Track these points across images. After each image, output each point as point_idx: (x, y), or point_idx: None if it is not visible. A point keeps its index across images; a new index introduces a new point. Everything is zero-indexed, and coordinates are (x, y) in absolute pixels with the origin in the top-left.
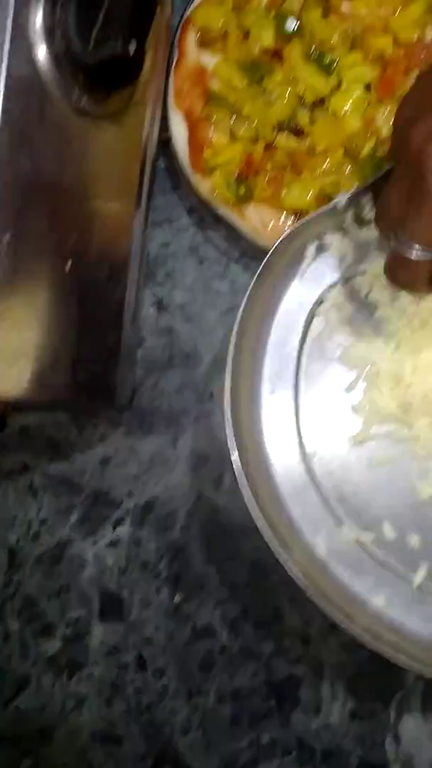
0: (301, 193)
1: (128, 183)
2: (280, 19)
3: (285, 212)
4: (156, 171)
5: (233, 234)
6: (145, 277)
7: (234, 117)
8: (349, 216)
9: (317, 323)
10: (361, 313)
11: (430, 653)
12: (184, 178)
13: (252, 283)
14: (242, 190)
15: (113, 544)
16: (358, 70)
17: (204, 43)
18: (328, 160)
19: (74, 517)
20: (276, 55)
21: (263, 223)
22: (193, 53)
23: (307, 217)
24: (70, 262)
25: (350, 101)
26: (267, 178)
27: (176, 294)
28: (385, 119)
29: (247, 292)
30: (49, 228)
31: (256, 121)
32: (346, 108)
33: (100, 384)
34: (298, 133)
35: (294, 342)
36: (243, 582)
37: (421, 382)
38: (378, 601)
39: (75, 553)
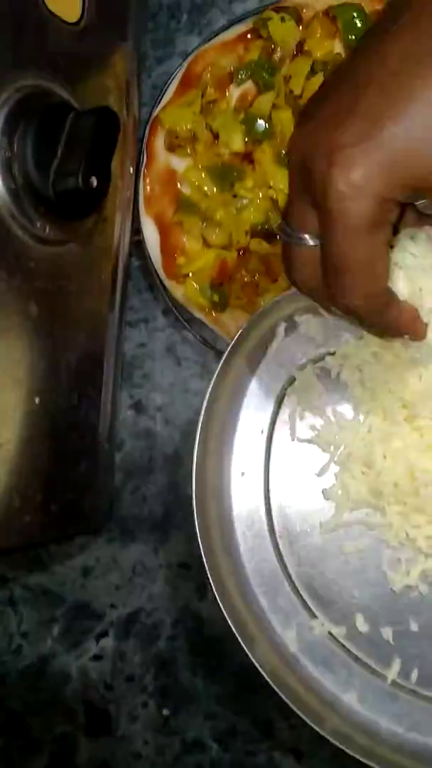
0: None
1: (100, 291)
2: (250, 121)
3: None
4: (130, 270)
5: (210, 334)
6: (121, 379)
7: (206, 223)
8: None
9: (288, 403)
10: (332, 393)
11: (403, 757)
12: (159, 281)
13: (221, 362)
14: (216, 297)
15: (97, 657)
16: None
17: (172, 147)
18: None
19: (56, 630)
20: (247, 157)
21: (239, 329)
22: (162, 156)
23: (277, 297)
24: (38, 399)
25: None
26: (242, 285)
27: (154, 395)
28: None
29: (216, 372)
30: (15, 364)
31: (228, 227)
32: None
33: (75, 512)
34: (271, 237)
35: (264, 423)
36: (232, 693)
37: (392, 469)
38: (349, 697)
39: (58, 666)
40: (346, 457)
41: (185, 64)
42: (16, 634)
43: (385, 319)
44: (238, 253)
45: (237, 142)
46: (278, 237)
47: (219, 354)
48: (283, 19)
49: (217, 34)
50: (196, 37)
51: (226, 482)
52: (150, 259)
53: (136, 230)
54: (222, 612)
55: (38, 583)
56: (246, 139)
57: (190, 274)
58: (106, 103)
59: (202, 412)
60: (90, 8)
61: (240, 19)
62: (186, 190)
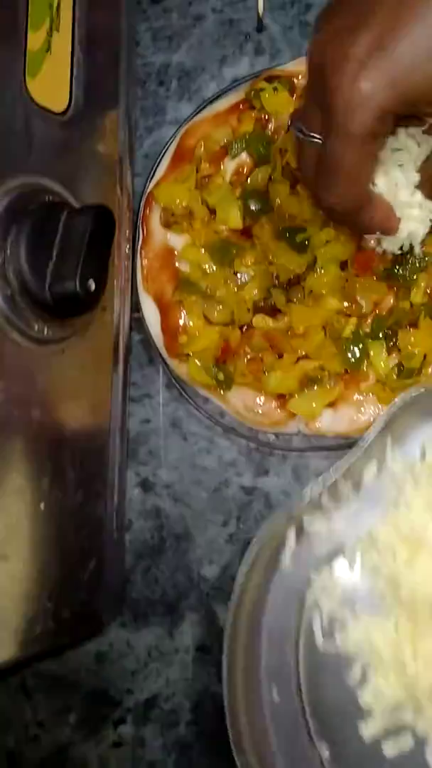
0: (284, 378)
1: (101, 376)
2: (247, 197)
3: (269, 395)
4: (131, 345)
5: (216, 408)
6: (127, 457)
7: (206, 301)
8: (325, 496)
9: (310, 608)
10: (354, 592)
11: None
12: (161, 358)
13: (237, 584)
14: (221, 376)
15: (116, 744)
16: (332, 248)
17: (168, 224)
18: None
19: (73, 718)
20: (245, 232)
21: (247, 406)
22: (158, 233)
23: (283, 511)
24: (43, 504)
25: (326, 280)
26: (246, 361)
27: (161, 473)
28: (365, 297)
29: (234, 594)
30: (17, 473)
31: (230, 305)
32: (323, 290)
33: (86, 614)
34: (275, 312)
35: (289, 634)
36: None
37: (425, 672)
38: None
39: (77, 755)
40: (377, 660)
41: (177, 138)
42: (32, 723)
43: (361, 218)
44: (241, 330)
45: (235, 218)
46: (290, 129)
47: (226, 429)
48: (275, 89)
49: (208, 102)
50: (186, 103)
51: (257, 702)
52: (151, 337)
53: (136, 307)
54: None
55: (51, 671)
56: (244, 215)
57: (193, 354)
58: (100, 185)
59: (226, 637)
60: (78, 93)
61: (231, 87)
62: (185, 268)
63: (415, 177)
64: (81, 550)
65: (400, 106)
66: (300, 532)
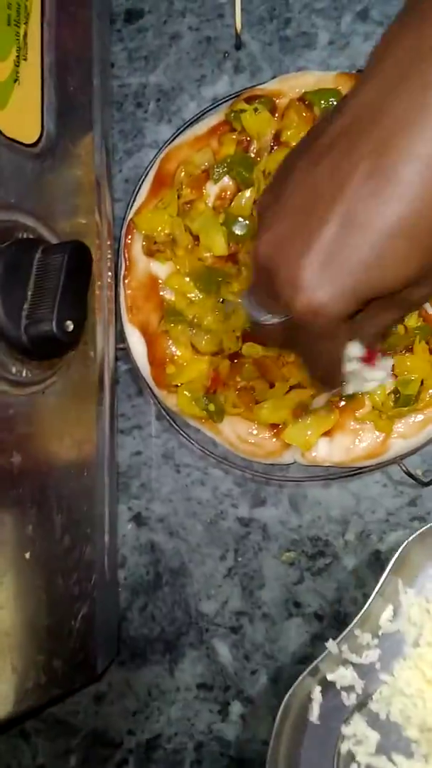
0: (276, 408)
1: (85, 412)
2: (231, 222)
3: (262, 425)
4: (117, 376)
5: (209, 438)
6: (118, 492)
7: (194, 330)
8: (346, 649)
9: (344, 763)
10: (386, 737)
11: None
12: (149, 390)
13: (270, 749)
14: (212, 407)
15: None
16: None
17: (151, 252)
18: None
19: (74, 761)
20: (231, 258)
21: (239, 437)
22: (141, 261)
23: (307, 670)
24: (29, 554)
25: None
26: (237, 391)
27: (154, 506)
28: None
29: (268, 759)
30: (5, 520)
31: (218, 333)
32: None
33: (79, 662)
34: None
35: None
36: None
37: None
38: None
39: None
40: None
41: (156, 163)
42: (32, 767)
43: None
44: (231, 359)
45: (219, 245)
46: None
47: (220, 460)
48: (256, 110)
49: (188, 124)
50: (165, 125)
51: None
52: (138, 369)
53: (121, 337)
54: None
55: (50, 713)
56: (228, 241)
57: (181, 384)
58: (77, 215)
59: None
60: (49, 122)
61: (211, 108)
62: (170, 297)
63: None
64: (71, 596)
65: (357, 305)
66: (325, 686)
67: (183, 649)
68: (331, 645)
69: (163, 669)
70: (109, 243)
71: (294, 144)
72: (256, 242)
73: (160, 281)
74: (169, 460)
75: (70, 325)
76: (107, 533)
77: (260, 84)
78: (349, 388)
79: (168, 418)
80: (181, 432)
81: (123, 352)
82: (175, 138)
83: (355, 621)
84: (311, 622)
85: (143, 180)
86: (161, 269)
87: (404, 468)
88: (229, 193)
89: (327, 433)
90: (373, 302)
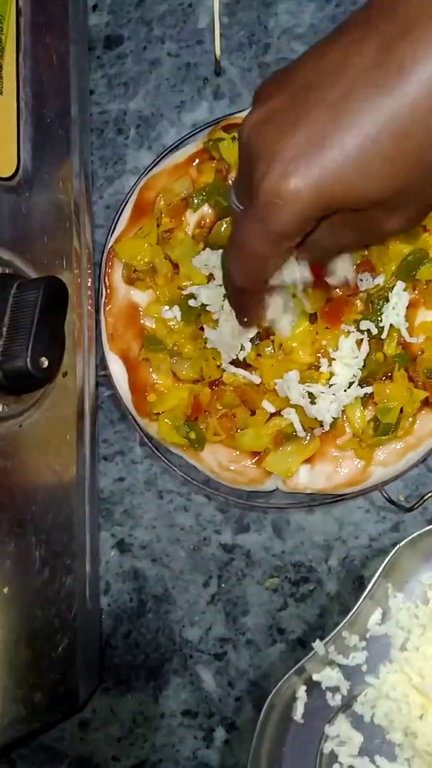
0: (257, 436)
1: (66, 439)
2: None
3: (243, 453)
4: (100, 401)
5: (191, 464)
6: (101, 519)
7: (174, 358)
8: (333, 650)
9: (327, 763)
10: (370, 739)
11: None
12: (131, 417)
13: (252, 747)
14: (193, 435)
15: None
16: (300, 301)
17: (131, 280)
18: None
19: None
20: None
21: (221, 465)
22: (121, 289)
23: (294, 669)
24: (7, 588)
25: (296, 333)
26: (218, 419)
27: (138, 533)
28: (336, 350)
29: (250, 757)
30: None
31: (198, 361)
32: (293, 343)
33: (60, 694)
34: (245, 366)
35: None
36: None
37: None
38: None
39: None
40: None
41: (136, 191)
42: None
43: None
44: (211, 387)
45: (199, 273)
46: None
47: (201, 486)
48: (234, 139)
49: (168, 151)
50: (146, 152)
51: None
52: (119, 396)
53: (103, 364)
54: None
55: (35, 740)
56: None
57: (162, 412)
58: (55, 244)
59: None
60: (26, 155)
61: (191, 134)
62: (150, 325)
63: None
64: (51, 628)
65: (323, 208)
66: (311, 686)
67: (167, 676)
68: (318, 645)
69: (148, 696)
70: (89, 271)
71: None
72: (245, 118)
73: (140, 309)
74: (152, 487)
75: (44, 362)
76: (89, 562)
77: (238, 112)
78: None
79: (150, 445)
80: (164, 459)
81: (105, 379)
82: (154, 166)
83: (343, 623)
84: (295, 648)
85: (123, 208)
86: (141, 297)
87: (386, 495)
88: (208, 221)
89: (308, 461)
90: (338, 216)
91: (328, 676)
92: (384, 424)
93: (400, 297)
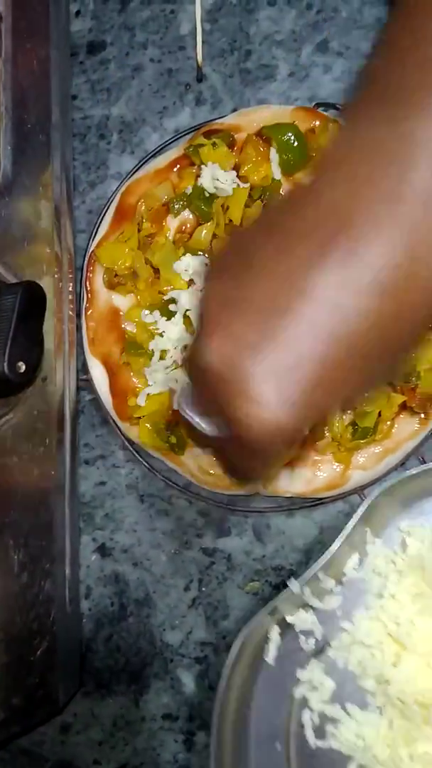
0: None
1: (46, 443)
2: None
3: None
4: (81, 405)
5: (172, 468)
6: (82, 523)
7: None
8: (308, 592)
9: (298, 707)
10: (343, 686)
11: None
12: (112, 421)
13: (221, 687)
14: (173, 439)
15: None
16: None
17: (112, 285)
18: None
19: None
20: None
21: (201, 468)
22: (103, 293)
23: (266, 608)
24: None
25: None
26: None
27: (119, 537)
28: None
29: (218, 696)
30: None
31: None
32: None
33: (39, 697)
34: None
35: (278, 734)
36: None
37: None
38: None
39: None
40: (371, 759)
41: (117, 196)
42: None
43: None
44: None
45: (179, 278)
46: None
47: (186, 487)
48: (214, 145)
49: (149, 157)
50: (128, 157)
51: None
52: (100, 400)
53: (84, 369)
54: None
55: (15, 743)
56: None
57: (143, 417)
58: (36, 250)
59: (212, 739)
60: (6, 162)
61: (173, 140)
62: (131, 329)
63: None
64: (30, 632)
65: (307, 424)
66: (284, 628)
67: (148, 680)
68: (293, 584)
69: (128, 699)
70: (70, 275)
71: (252, 179)
72: (203, 340)
73: (121, 313)
74: (133, 491)
75: (21, 366)
76: (68, 566)
77: (219, 118)
78: None
79: (131, 449)
80: (145, 463)
81: (86, 383)
82: (135, 171)
83: (319, 563)
84: None
85: (104, 213)
86: (122, 301)
87: (364, 498)
88: (189, 226)
89: (288, 465)
90: None
91: (302, 619)
92: (362, 428)
93: None
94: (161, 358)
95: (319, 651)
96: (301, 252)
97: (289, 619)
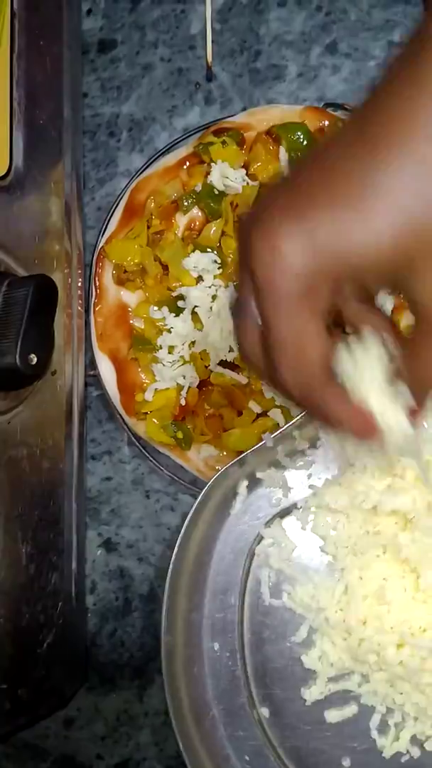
0: (243, 436)
1: (54, 437)
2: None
3: (230, 452)
4: (89, 401)
5: (178, 464)
6: (87, 518)
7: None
8: (281, 450)
9: (257, 564)
10: (304, 548)
11: None
12: (119, 416)
13: (183, 530)
14: (180, 434)
15: None
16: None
17: (121, 281)
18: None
19: None
20: None
21: (208, 464)
22: (111, 289)
23: (236, 459)
24: None
25: None
26: (205, 418)
27: (124, 532)
28: None
29: (178, 540)
30: None
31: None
32: None
33: (45, 690)
34: (233, 368)
35: (234, 588)
36: None
37: (372, 635)
38: None
39: None
40: (323, 621)
41: (127, 193)
42: None
43: (328, 412)
44: (199, 388)
45: (187, 275)
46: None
47: (188, 486)
48: (224, 143)
49: (159, 155)
50: (138, 154)
51: (198, 658)
52: (108, 395)
53: (92, 364)
54: None
55: (18, 737)
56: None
57: (150, 412)
58: (46, 244)
59: (167, 582)
60: (17, 155)
61: (182, 138)
62: (139, 325)
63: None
64: (36, 624)
65: (326, 278)
66: (253, 483)
67: (152, 675)
68: (267, 437)
69: (132, 695)
70: (79, 271)
71: (262, 177)
72: (246, 211)
73: (129, 309)
74: (139, 486)
75: (33, 359)
76: (75, 560)
77: (229, 117)
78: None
79: (138, 444)
80: (151, 458)
81: (94, 378)
82: (145, 169)
83: (295, 420)
84: None
85: (114, 209)
86: (131, 298)
87: None
88: (198, 224)
89: None
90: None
91: (271, 476)
92: None
93: (384, 300)
94: (169, 353)
95: (285, 512)
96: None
97: (259, 474)
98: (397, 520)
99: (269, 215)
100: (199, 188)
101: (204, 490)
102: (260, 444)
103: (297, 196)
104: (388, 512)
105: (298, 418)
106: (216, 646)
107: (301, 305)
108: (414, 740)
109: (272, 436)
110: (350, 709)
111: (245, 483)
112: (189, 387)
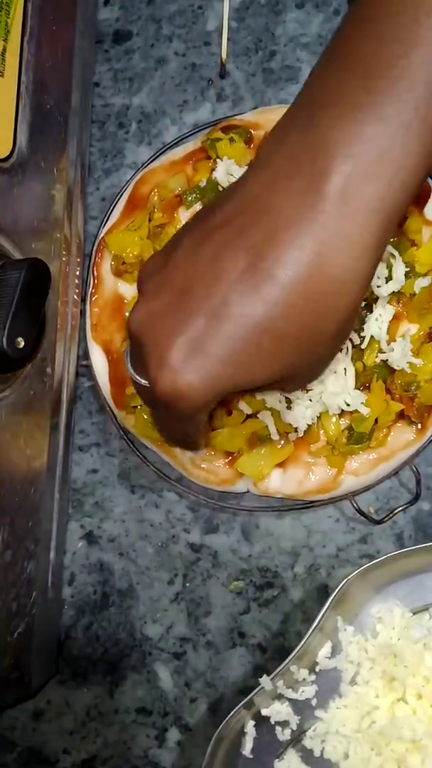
0: (231, 436)
1: (41, 426)
2: None
3: (217, 453)
4: (80, 391)
5: (165, 461)
6: (71, 508)
7: None
8: (281, 684)
9: None
10: None
11: None
12: (109, 409)
13: None
14: None
15: None
16: None
17: (119, 272)
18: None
19: None
20: None
21: (194, 463)
22: (109, 280)
23: (236, 708)
24: None
25: None
26: None
27: (107, 525)
28: None
29: None
30: None
31: None
32: None
33: (13, 679)
34: None
35: None
36: None
37: None
38: None
39: None
40: None
41: (131, 184)
42: None
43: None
44: None
45: None
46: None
47: (178, 480)
48: (232, 140)
49: (166, 148)
50: (145, 147)
51: None
52: (99, 387)
53: (85, 354)
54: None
55: None
56: None
57: (141, 407)
58: (45, 231)
59: None
60: (22, 138)
61: (191, 134)
62: None
63: None
64: (8, 612)
65: (218, 396)
66: (259, 719)
67: (124, 672)
68: (264, 681)
69: (104, 690)
70: (78, 260)
71: None
72: (132, 309)
73: (126, 301)
74: (125, 481)
75: (21, 342)
76: (53, 550)
77: (239, 114)
78: None
79: (126, 438)
80: (138, 453)
81: (86, 369)
82: (151, 161)
83: (290, 657)
84: (254, 653)
85: (117, 200)
86: (128, 290)
87: (355, 505)
88: None
89: (280, 465)
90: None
91: (277, 711)
92: (357, 433)
93: (384, 309)
94: None
95: (296, 740)
96: (212, 243)
97: (264, 711)
98: (407, 746)
99: (164, 338)
100: (203, 184)
101: (214, 739)
102: (260, 687)
103: (187, 318)
104: (396, 737)
105: (294, 653)
106: None
107: (190, 419)
108: None
109: (270, 678)
110: None
111: (252, 722)
112: None
